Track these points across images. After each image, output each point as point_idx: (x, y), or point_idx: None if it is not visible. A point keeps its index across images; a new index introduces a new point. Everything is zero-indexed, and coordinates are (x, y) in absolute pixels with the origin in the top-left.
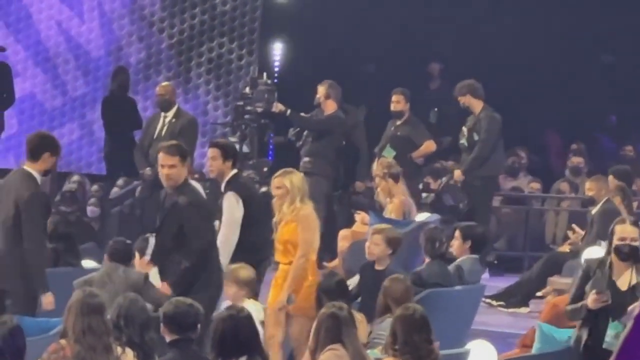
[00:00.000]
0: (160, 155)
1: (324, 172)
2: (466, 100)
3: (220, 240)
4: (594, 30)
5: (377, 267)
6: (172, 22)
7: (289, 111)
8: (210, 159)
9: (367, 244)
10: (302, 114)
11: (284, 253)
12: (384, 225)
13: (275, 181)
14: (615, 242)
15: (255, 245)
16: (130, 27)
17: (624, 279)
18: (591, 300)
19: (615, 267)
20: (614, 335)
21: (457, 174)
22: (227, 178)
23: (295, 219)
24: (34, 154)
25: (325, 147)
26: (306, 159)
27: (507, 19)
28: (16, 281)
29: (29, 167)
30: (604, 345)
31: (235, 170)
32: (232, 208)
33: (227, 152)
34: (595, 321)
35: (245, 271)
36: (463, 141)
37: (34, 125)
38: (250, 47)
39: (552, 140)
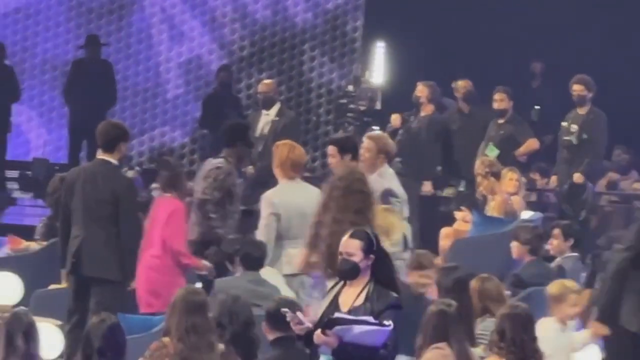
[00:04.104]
0: None
1: (415, 173)
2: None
3: None
4: None
5: None
6: (274, 20)
7: None
8: (329, 157)
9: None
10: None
11: None
12: None
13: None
14: None
15: None
16: None
17: (347, 299)
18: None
19: (347, 284)
20: None
21: (578, 177)
22: None
23: None
24: (110, 145)
25: (417, 148)
26: (397, 159)
27: (609, 17)
28: (113, 270)
29: (108, 158)
30: None
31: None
32: None
33: (343, 147)
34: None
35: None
36: (570, 138)
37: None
38: (352, 45)
39: None
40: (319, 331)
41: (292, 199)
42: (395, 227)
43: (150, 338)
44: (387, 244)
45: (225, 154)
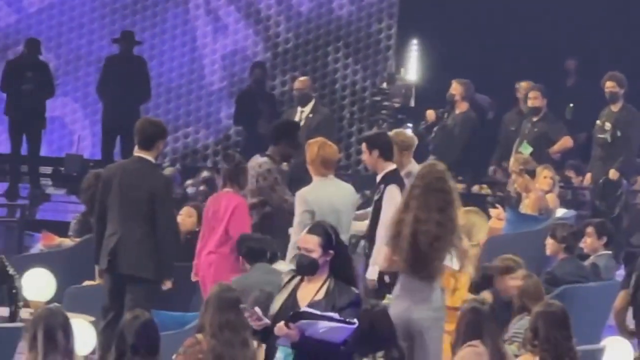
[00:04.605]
0: None
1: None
2: (613, 88)
3: (380, 234)
4: None
5: None
6: (309, 17)
7: None
8: (363, 154)
9: None
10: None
11: None
12: None
13: None
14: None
15: None
16: None
17: (306, 294)
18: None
19: (305, 280)
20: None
21: (613, 173)
22: (383, 172)
23: None
24: (148, 143)
25: (452, 145)
26: (432, 157)
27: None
28: (149, 269)
29: (146, 156)
30: None
31: (394, 166)
32: (395, 201)
33: (372, 143)
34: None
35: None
36: (604, 136)
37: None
38: (387, 43)
39: None
40: (281, 323)
41: (325, 196)
42: (477, 228)
43: (184, 335)
44: (467, 245)
45: (270, 152)
